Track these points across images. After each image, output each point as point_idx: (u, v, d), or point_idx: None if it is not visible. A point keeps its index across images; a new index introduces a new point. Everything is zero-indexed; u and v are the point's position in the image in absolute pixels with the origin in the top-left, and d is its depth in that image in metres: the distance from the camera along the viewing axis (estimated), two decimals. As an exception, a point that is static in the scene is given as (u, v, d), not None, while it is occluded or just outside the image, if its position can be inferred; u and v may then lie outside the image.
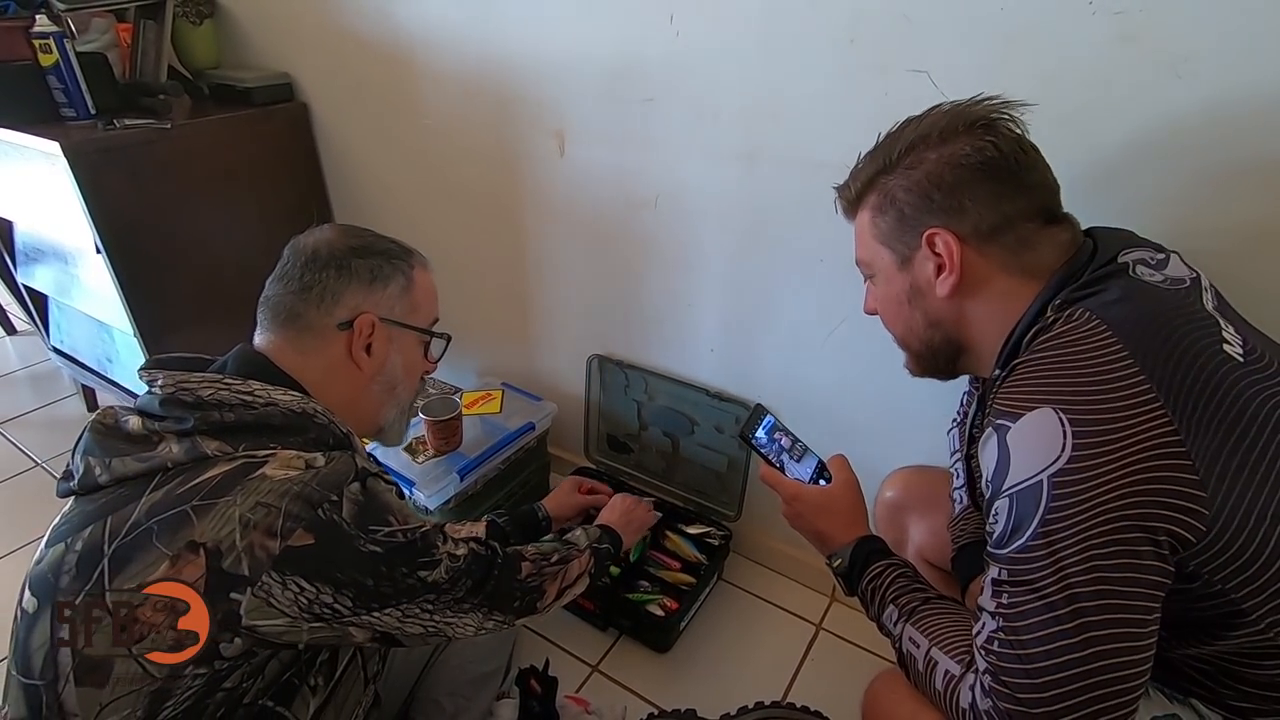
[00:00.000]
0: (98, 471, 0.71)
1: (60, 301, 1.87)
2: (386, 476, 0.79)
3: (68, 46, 1.49)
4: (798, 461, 0.95)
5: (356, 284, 0.84)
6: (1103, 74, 0.88)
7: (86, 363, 1.91)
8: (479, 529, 1.15)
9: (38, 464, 1.94)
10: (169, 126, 1.53)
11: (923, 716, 0.71)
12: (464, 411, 1.54)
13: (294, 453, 0.71)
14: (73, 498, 0.74)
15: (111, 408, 0.76)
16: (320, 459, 0.71)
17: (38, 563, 0.71)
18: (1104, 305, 0.64)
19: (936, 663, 0.69)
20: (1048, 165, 0.72)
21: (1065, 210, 0.74)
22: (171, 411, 0.72)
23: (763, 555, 1.59)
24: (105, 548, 0.66)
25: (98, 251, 1.49)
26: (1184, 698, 0.70)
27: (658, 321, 1.49)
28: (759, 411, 0.97)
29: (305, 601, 0.67)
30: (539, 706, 1.22)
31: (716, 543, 1.52)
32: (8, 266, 1.92)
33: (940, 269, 0.72)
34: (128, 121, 1.51)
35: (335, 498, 0.69)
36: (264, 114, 1.72)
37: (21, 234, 1.84)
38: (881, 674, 0.81)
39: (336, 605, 0.68)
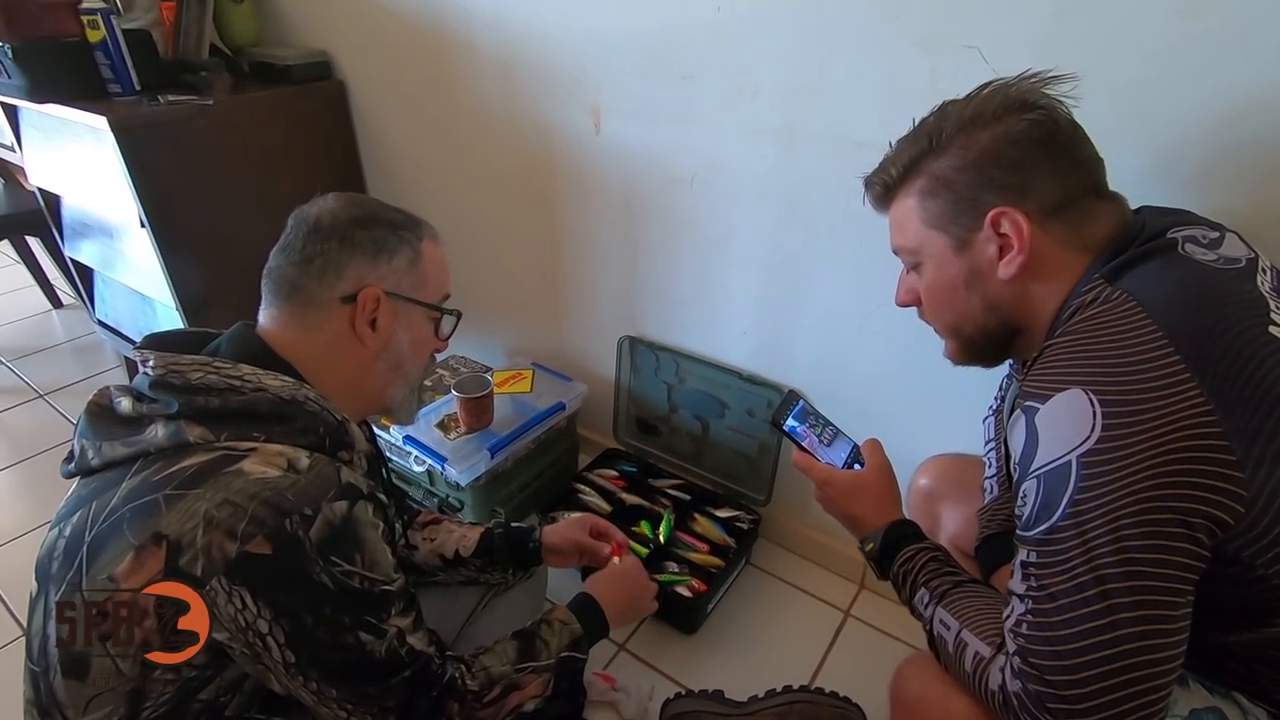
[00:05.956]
0: (90, 455, 0.70)
1: (105, 275, 1.92)
2: (379, 499, 0.73)
3: (114, 23, 1.51)
4: (830, 446, 0.94)
5: (360, 256, 0.79)
6: (1163, 48, 0.85)
7: (129, 335, 1.96)
8: (475, 535, 1.08)
9: (83, 433, 2.00)
10: (210, 103, 1.56)
11: (952, 699, 0.71)
12: (495, 390, 1.55)
13: (278, 448, 0.68)
14: (76, 480, 0.73)
15: (107, 388, 0.75)
16: (304, 460, 0.68)
17: (41, 546, 0.71)
18: (1142, 284, 0.63)
19: (966, 644, 0.68)
20: (1091, 141, 0.71)
21: (1113, 189, 0.72)
22: (160, 394, 0.69)
23: (791, 541, 1.59)
24: (86, 535, 0.65)
25: (142, 225, 1.53)
26: (1226, 691, 0.69)
27: (690, 303, 1.49)
28: (791, 398, 0.96)
29: (243, 622, 0.64)
30: (566, 682, 1.23)
31: (745, 526, 1.52)
32: (56, 240, 1.98)
33: (1004, 250, 0.69)
34: (171, 98, 1.54)
35: (309, 512, 0.65)
36: (302, 92, 1.74)
37: (69, 208, 1.89)
38: (910, 657, 0.80)
39: (269, 639, 0.65)
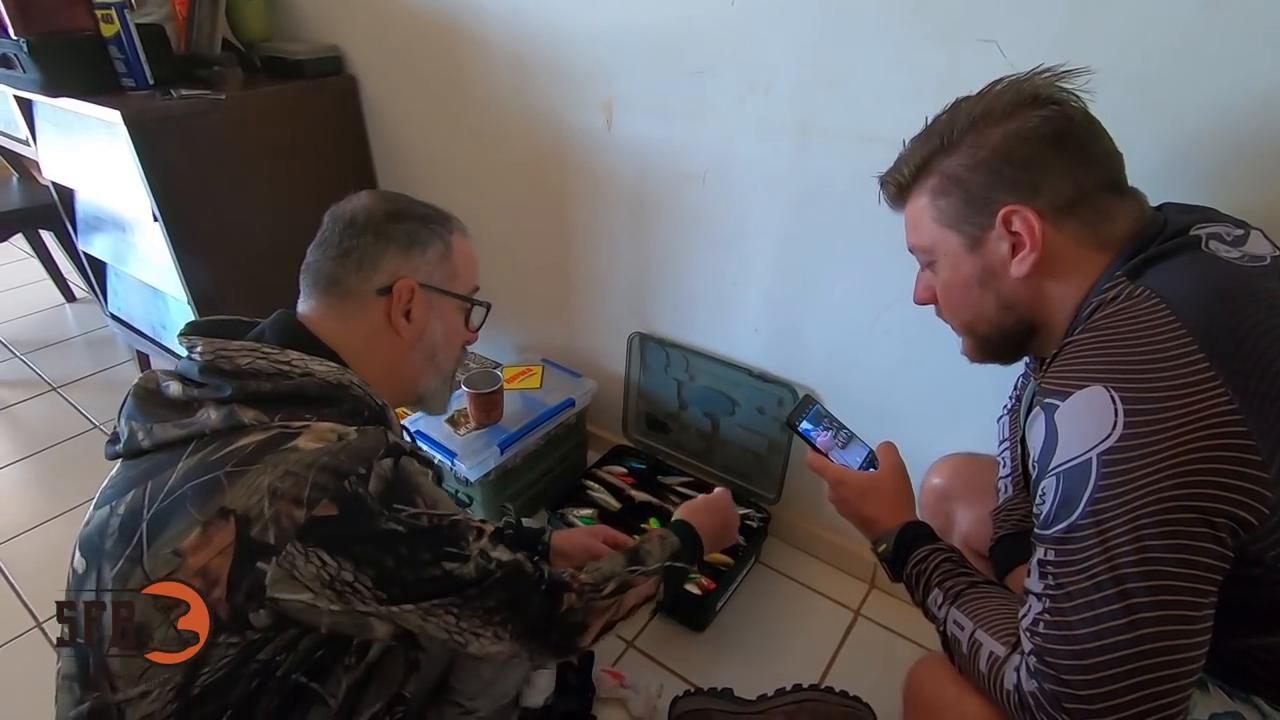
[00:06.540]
0: (140, 436, 0.72)
1: (117, 269, 1.93)
2: (423, 456, 0.77)
3: (128, 17, 1.52)
4: (844, 449, 0.94)
5: (394, 249, 0.83)
6: (1186, 43, 0.84)
7: (141, 329, 1.97)
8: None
9: (95, 426, 2.01)
10: (223, 97, 1.56)
11: (966, 700, 0.70)
12: (505, 386, 1.55)
13: (328, 425, 0.70)
14: (119, 461, 0.75)
15: (153, 372, 0.77)
16: (352, 432, 0.70)
17: (86, 524, 0.73)
18: (1165, 281, 0.62)
19: (981, 644, 0.67)
20: (1109, 135, 0.70)
21: (1133, 185, 0.71)
22: (210, 379, 0.72)
23: (801, 539, 1.58)
24: (144, 512, 0.67)
25: (154, 220, 1.53)
26: (1247, 695, 0.68)
27: (701, 299, 1.48)
28: (806, 402, 0.97)
29: (326, 577, 0.66)
30: (575, 678, 1.23)
31: (755, 525, 1.51)
32: (69, 234, 1.99)
33: (1016, 248, 0.69)
34: (184, 92, 1.54)
35: (363, 471, 0.67)
36: (314, 86, 1.74)
37: (82, 202, 1.90)
38: (924, 658, 0.80)
39: (356, 585, 0.67)
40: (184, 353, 0.76)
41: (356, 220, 0.83)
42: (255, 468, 0.66)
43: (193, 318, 1.65)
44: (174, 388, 0.74)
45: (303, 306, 0.84)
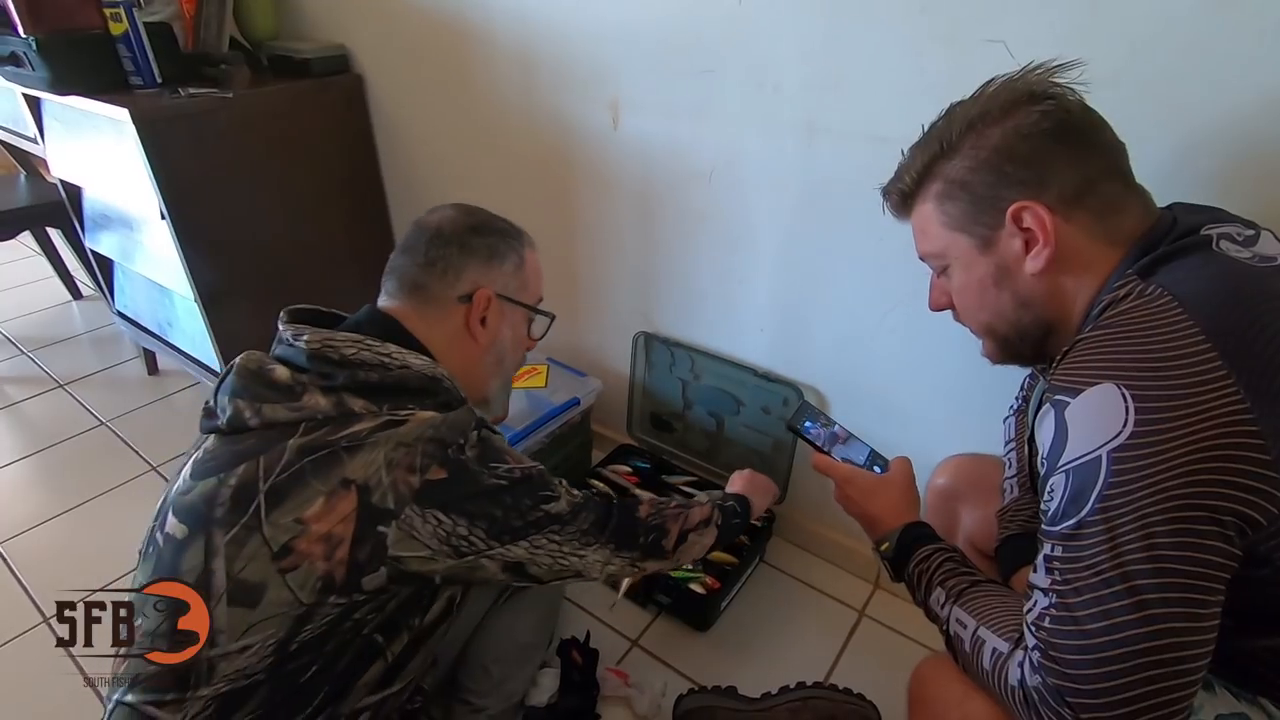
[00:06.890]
0: (248, 414, 0.76)
1: (124, 266, 1.93)
2: (498, 431, 0.86)
3: (136, 16, 1.53)
4: (845, 446, 0.95)
5: (476, 261, 0.89)
6: (1195, 42, 0.83)
7: (148, 326, 1.98)
8: None
9: (101, 423, 2.02)
10: (230, 96, 1.57)
11: (971, 700, 0.70)
12: (510, 385, 1.55)
13: (429, 414, 0.77)
14: (213, 435, 0.79)
15: (255, 353, 0.81)
16: (448, 413, 0.79)
17: (184, 493, 0.76)
18: (1177, 280, 0.62)
19: (984, 641, 0.67)
20: (1110, 126, 0.70)
21: (1141, 183, 0.71)
22: (318, 367, 0.77)
23: (806, 539, 1.58)
24: (260, 484, 0.72)
25: (162, 217, 1.54)
26: (1253, 696, 0.68)
27: (707, 299, 1.48)
28: (804, 406, 1.00)
29: (443, 534, 0.74)
30: (580, 677, 1.23)
31: (759, 524, 1.50)
32: (77, 232, 2.00)
33: (1029, 244, 0.69)
34: (191, 90, 1.55)
35: (461, 441, 0.76)
36: (321, 85, 1.75)
37: (90, 200, 1.91)
38: (928, 658, 0.80)
39: (471, 538, 0.75)
40: (199, 347, 0.79)
41: (443, 232, 0.89)
42: (369, 442, 0.73)
43: (199, 315, 1.66)
44: (279, 372, 0.77)
45: (386, 304, 0.89)
